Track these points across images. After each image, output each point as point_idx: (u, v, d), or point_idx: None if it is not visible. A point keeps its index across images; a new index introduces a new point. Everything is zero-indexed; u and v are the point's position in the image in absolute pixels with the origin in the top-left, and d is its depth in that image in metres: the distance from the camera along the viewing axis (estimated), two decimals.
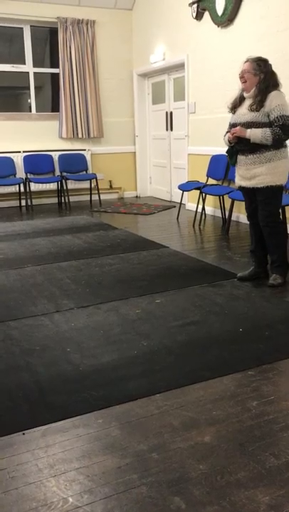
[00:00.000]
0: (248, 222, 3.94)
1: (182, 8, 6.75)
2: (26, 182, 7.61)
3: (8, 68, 7.92)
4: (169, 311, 3.29)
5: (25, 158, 7.75)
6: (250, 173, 3.63)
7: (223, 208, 6.14)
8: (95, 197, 8.06)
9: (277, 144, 3.52)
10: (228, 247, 5.07)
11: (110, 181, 8.58)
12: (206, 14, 6.34)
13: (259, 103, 3.50)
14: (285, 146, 3.61)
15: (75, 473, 1.78)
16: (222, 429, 2.00)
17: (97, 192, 7.99)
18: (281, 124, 3.45)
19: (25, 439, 1.99)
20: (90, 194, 8.12)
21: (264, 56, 3.65)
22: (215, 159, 6.30)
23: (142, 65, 8.16)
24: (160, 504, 1.62)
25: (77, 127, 8.12)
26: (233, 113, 3.72)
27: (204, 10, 6.35)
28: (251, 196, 3.76)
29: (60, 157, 7.98)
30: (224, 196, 6.00)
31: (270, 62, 3.59)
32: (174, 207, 7.33)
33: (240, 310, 3.28)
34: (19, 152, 7.75)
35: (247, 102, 3.60)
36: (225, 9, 5.91)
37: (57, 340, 2.87)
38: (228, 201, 5.89)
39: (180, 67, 7.20)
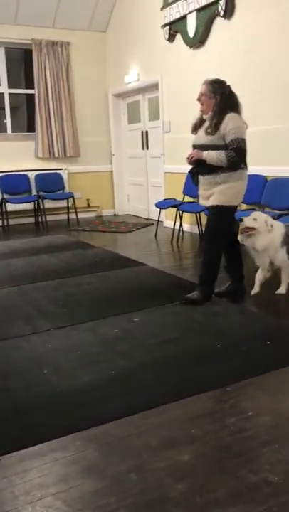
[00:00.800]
0: None
1: (155, 30, 6.89)
2: (3, 202, 7.57)
3: None
4: (147, 329, 3.29)
5: (2, 179, 7.72)
6: (207, 193, 3.69)
7: (200, 225, 6.20)
8: (72, 216, 8.05)
9: (232, 166, 3.53)
10: None
11: (88, 200, 8.59)
12: (178, 36, 6.48)
13: (215, 126, 3.52)
14: (242, 168, 3.61)
15: (52, 498, 1.75)
16: (201, 447, 1.99)
17: (74, 211, 7.99)
18: (236, 148, 3.47)
19: (1, 464, 1.95)
20: (68, 213, 8.11)
21: (229, 77, 3.73)
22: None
23: (117, 85, 8.26)
24: None
25: (53, 147, 8.14)
26: (195, 134, 3.77)
27: (176, 32, 6.50)
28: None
29: (37, 177, 7.97)
30: (200, 213, 6.06)
31: (227, 84, 3.61)
32: (152, 224, 7.37)
33: (218, 326, 3.30)
34: None
35: (205, 124, 3.64)
36: (196, 31, 6.06)
37: (34, 362, 2.83)
38: (204, 218, 5.94)
39: (154, 87, 7.32)
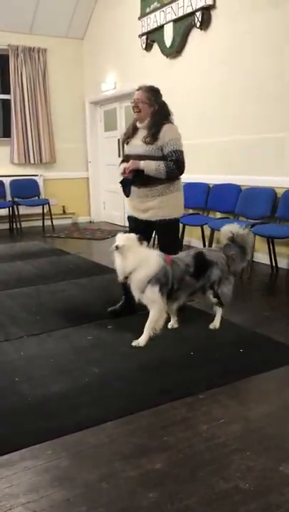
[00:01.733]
0: None
1: (132, 39, 6.94)
2: None
3: None
4: (120, 336, 3.28)
5: None
6: (143, 206, 3.54)
7: (203, 238, 6.20)
8: (47, 222, 8.00)
9: (170, 178, 3.44)
10: None
11: (63, 206, 8.56)
12: (155, 45, 6.55)
13: (152, 136, 3.39)
14: (178, 179, 3.57)
15: (22, 508, 1.72)
16: (173, 454, 2.00)
17: (50, 217, 7.94)
18: (175, 160, 3.38)
19: None
20: (43, 219, 8.05)
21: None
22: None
23: (94, 93, 8.28)
24: None
25: (29, 152, 8.09)
26: (127, 144, 3.61)
27: (153, 41, 6.56)
28: (143, 227, 3.61)
29: (12, 182, 7.90)
30: (203, 226, 6.07)
31: (161, 93, 3.54)
32: (128, 232, 7.36)
33: (191, 333, 3.32)
34: None
35: (140, 133, 3.49)
36: (173, 41, 6.13)
37: (5, 370, 2.79)
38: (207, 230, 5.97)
39: (131, 96, 7.33)
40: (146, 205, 3.52)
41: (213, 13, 5.53)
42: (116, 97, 7.85)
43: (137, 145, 3.48)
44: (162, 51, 6.38)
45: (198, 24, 5.64)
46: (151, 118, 3.45)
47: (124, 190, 3.63)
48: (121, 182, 3.59)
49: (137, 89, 3.51)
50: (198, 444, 2.06)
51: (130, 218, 3.75)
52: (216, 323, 3.42)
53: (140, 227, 3.66)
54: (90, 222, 8.83)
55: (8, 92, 7.99)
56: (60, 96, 8.32)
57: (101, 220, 8.87)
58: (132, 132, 3.59)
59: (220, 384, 2.57)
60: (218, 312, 3.43)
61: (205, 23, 5.59)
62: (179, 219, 3.68)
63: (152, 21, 6.42)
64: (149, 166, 3.38)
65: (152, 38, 6.55)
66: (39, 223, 8.11)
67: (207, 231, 5.54)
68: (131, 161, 3.43)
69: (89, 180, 8.78)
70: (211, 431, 2.15)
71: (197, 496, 1.75)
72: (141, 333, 3.19)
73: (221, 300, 3.36)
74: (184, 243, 5.99)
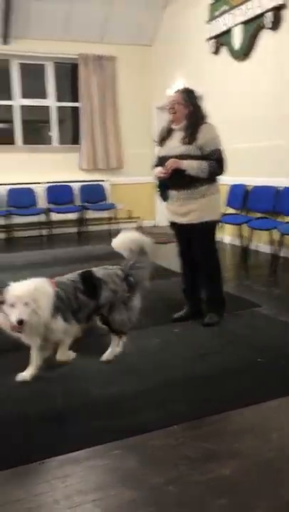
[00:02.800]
0: (179, 259, 3.75)
1: (200, 43, 6.92)
2: (47, 212, 7.75)
3: (32, 103, 8.18)
4: (187, 341, 3.27)
5: (47, 189, 7.91)
6: (183, 209, 3.45)
7: (241, 237, 6.13)
8: (114, 226, 8.13)
9: (210, 179, 3.38)
10: (247, 276, 5.04)
11: (129, 211, 8.67)
12: (224, 49, 6.50)
13: (191, 136, 3.34)
14: (216, 181, 3.48)
15: (91, 505, 1.75)
16: (242, 462, 1.95)
17: (116, 221, 8.07)
18: (216, 158, 3.33)
19: (42, 468, 1.97)
20: (109, 223, 8.20)
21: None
22: (234, 189, 6.34)
23: (162, 98, 8.32)
24: None
25: (97, 158, 8.28)
26: (162, 146, 3.53)
27: (222, 45, 6.51)
28: (184, 233, 3.57)
29: (81, 188, 8.12)
30: (242, 225, 6.00)
31: (196, 94, 3.48)
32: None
33: (259, 340, 3.23)
34: (41, 183, 7.92)
35: (177, 135, 3.43)
36: (242, 44, 6.05)
37: (75, 370, 2.86)
38: (246, 230, 5.89)
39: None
40: (186, 208, 3.44)
41: (284, 13, 5.40)
42: None
43: (175, 146, 3.42)
44: (231, 54, 6.32)
45: (268, 25, 5.53)
46: (188, 119, 3.41)
47: (161, 194, 3.58)
48: (158, 185, 3.55)
49: (175, 92, 3.50)
50: (268, 452, 2.00)
51: (170, 224, 3.70)
52: (107, 356, 2.90)
53: (179, 233, 3.65)
54: (154, 226, 8.88)
55: (78, 100, 8.23)
56: (128, 102, 8.45)
57: (165, 224, 8.87)
58: (166, 134, 3.54)
59: None
60: (113, 342, 2.93)
61: (276, 24, 5.47)
62: (218, 221, 3.62)
63: (221, 24, 6.37)
64: (192, 166, 3.32)
65: (221, 41, 6.50)
66: (106, 227, 8.26)
67: (276, 235, 5.38)
68: (172, 159, 3.35)
69: (155, 185, 8.82)
70: (282, 439, 2.09)
71: (268, 505, 1.70)
72: (208, 337, 3.15)
73: (113, 328, 2.90)
74: (251, 247, 5.89)
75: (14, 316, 2.42)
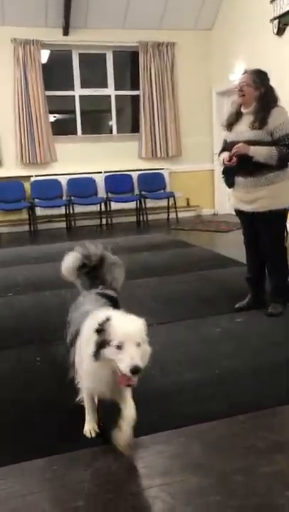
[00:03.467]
0: (245, 247, 3.64)
1: (263, 24, 6.70)
2: (107, 201, 7.85)
3: (92, 92, 8.28)
4: (250, 330, 3.21)
5: (106, 178, 8.00)
6: (250, 197, 3.33)
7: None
8: (172, 215, 8.12)
9: (280, 165, 3.22)
10: None
11: (188, 199, 8.61)
12: (288, 29, 6.25)
13: (261, 120, 3.19)
14: (287, 167, 3.30)
15: (157, 490, 1.77)
16: None
17: (174, 210, 8.05)
18: (288, 144, 3.16)
19: (104, 451, 2.01)
20: (168, 212, 8.19)
21: None
22: None
23: (222, 83, 8.17)
24: None
25: (156, 147, 8.27)
26: (230, 130, 3.41)
27: (286, 25, 6.27)
28: (250, 221, 3.46)
29: (140, 176, 8.15)
30: None
31: (268, 76, 3.30)
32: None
33: None
34: (100, 172, 8.02)
35: (246, 119, 3.30)
36: None
37: None
38: None
39: None
40: (253, 196, 3.32)
41: None
42: None
43: (243, 131, 3.28)
44: None
45: None
46: (258, 102, 3.25)
47: (226, 181, 3.47)
48: (223, 171, 3.43)
49: (243, 73, 3.34)
50: None
51: (236, 211, 3.61)
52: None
53: (245, 221, 3.55)
54: (214, 214, 8.77)
55: (138, 88, 8.23)
56: (187, 88, 8.36)
57: (225, 213, 8.75)
58: (235, 118, 3.39)
59: None
60: None
61: None
62: (287, 209, 3.46)
63: (286, 4, 6.13)
64: (260, 152, 3.18)
65: (285, 21, 6.26)
66: (164, 216, 8.26)
67: None
68: (240, 144, 3.22)
69: (214, 173, 8.71)
70: None
71: None
72: (272, 327, 3.08)
73: None
74: None
75: (127, 361, 1.72)
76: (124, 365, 1.73)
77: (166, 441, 2.06)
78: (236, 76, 7.60)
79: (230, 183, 3.46)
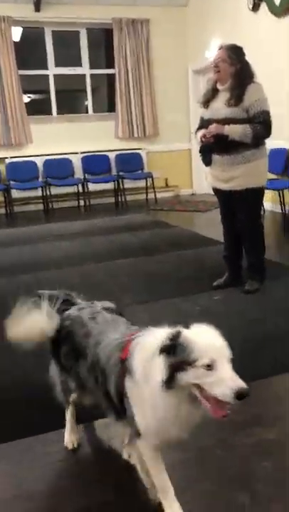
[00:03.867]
0: (222, 224, 3.66)
1: (238, 0, 6.63)
2: (84, 182, 7.77)
3: (66, 71, 8.12)
4: (228, 308, 3.25)
5: (83, 159, 7.91)
6: (226, 175, 3.33)
7: (282, 203, 5.98)
8: (151, 195, 8.09)
9: (256, 143, 3.21)
10: (288, 242, 4.93)
11: (166, 179, 8.58)
12: (263, 5, 6.20)
13: (237, 97, 3.15)
14: (264, 145, 3.31)
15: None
16: (286, 426, 1.95)
17: (153, 190, 8.02)
18: (262, 121, 3.15)
19: (88, 429, 2.02)
20: (146, 193, 8.16)
21: None
22: (274, 153, 6.14)
23: (197, 61, 8.09)
24: (224, 499, 1.60)
25: (132, 126, 8.19)
26: (206, 108, 3.37)
27: (261, 1, 6.22)
28: (227, 199, 3.47)
29: (117, 157, 8.07)
30: (283, 191, 5.84)
31: (244, 51, 3.27)
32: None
33: None
34: (77, 153, 7.92)
35: (222, 96, 3.26)
36: None
37: None
38: (287, 196, 5.73)
39: None
40: (229, 174, 3.31)
41: None
42: None
43: (219, 108, 3.26)
44: (271, 10, 6.02)
45: None
46: (234, 78, 3.21)
47: (203, 159, 3.45)
48: (200, 150, 3.41)
49: (218, 49, 3.30)
50: None
51: (213, 190, 3.60)
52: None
53: (222, 199, 3.55)
54: (192, 194, 8.78)
55: (113, 67, 8.10)
56: (163, 67, 8.26)
57: (203, 192, 8.76)
58: (211, 95, 3.35)
59: None
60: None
61: None
62: (264, 187, 3.48)
63: None
64: (235, 131, 3.16)
65: None
66: (143, 196, 8.23)
67: None
68: (214, 125, 3.21)
69: (191, 152, 8.68)
70: None
71: None
72: (249, 304, 3.11)
73: None
74: None
75: (230, 384, 1.33)
76: (226, 389, 1.30)
77: None
78: (212, 53, 7.53)
79: (207, 161, 3.44)
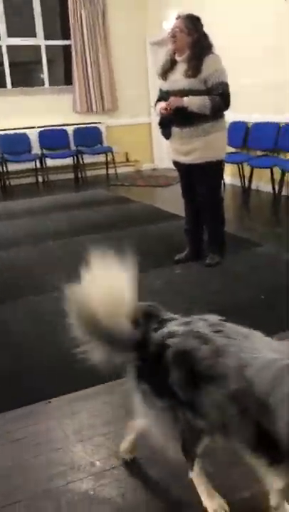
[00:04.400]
0: (183, 198, 3.67)
1: None
2: (42, 158, 7.58)
3: (20, 42, 7.81)
4: (189, 281, 3.28)
5: (41, 134, 7.70)
6: (186, 148, 3.30)
7: (242, 177, 6.03)
8: (111, 170, 7.99)
9: (215, 115, 3.21)
10: (248, 216, 5.00)
11: (127, 154, 8.49)
12: None
13: (195, 68, 3.13)
14: (223, 117, 3.32)
15: (102, 438, 1.81)
16: None
17: (113, 165, 7.92)
18: (221, 93, 3.14)
19: (50, 407, 2.02)
20: (107, 168, 8.05)
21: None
22: (233, 127, 6.16)
23: (156, 33, 7.94)
24: (185, 466, 1.63)
25: (91, 100, 8.01)
26: (165, 79, 3.33)
27: None
28: (187, 172, 3.46)
29: (75, 131, 7.90)
30: (243, 164, 5.89)
31: (202, 22, 3.23)
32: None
33: (261, 278, 3.25)
34: (34, 128, 7.70)
35: (180, 67, 3.24)
36: None
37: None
38: (246, 169, 5.78)
39: None
40: (189, 147, 3.30)
41: None
42: None
43: (177, 80, 3.22)
44: None
45: None
46: (192, 49, 3.17)
47: (163, 132, 3.43)
48: (160, 122, 3.38)
49: (176, 18, 3.24)
50: None
51: (174, 163, 3.58)
52: None
53: (182, 172, 3.54)
54: (153, 169, 8.73)
55: (69, 38, 7.85)
56: (121, 38, 8.06)
57: (165, 167, 8.73)
58: (170, 66, 3.31)
59: None
60: None
61: None
62: (224, 160, 3.51)
63: None
64: (193, 102, 3.13)
65: None
66: (103, 172, 8.12)
67: (277, 174, 5.29)
68: (172, 97, 3.18)
69: (151, 126, 8.59)
70: None
71: None
72: (209, 277, 3.15)
73: None
74: (252, 188, 5.80)
75: None
76: None
77: (110, 392, 2.09)
78: (170, 24, 7.40)
79: (166, 134, 3.41)
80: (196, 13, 3.29)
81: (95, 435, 1.82)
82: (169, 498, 1.51)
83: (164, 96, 3.32)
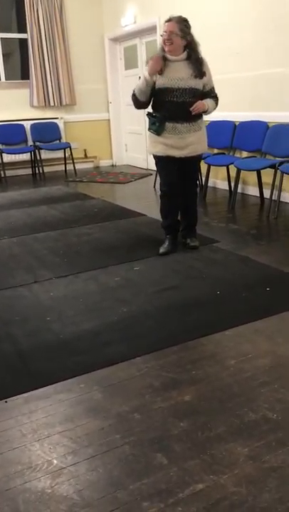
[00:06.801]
0: (166, 194, 3.76)
1: None
2: None
3: None
4: (147, 277, 3.31)
5: None
6: (183, 142, 3.52)
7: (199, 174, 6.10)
8: (69, 167, 7.92)
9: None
10: (205, 213, 5.08)
11: (85, 150, 8.43)
12: None
13: (199, 71, 3.44)
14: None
15: (59, 436, 1.81)
16: (202, 387, 2.05)
17: (71, 161, 7.86)
18: (215, 96, 3.59)
19: (7, 406, 2.01)
20: (65, 164, 7.97)
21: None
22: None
23: (113, 29, 7.92)
24: (143, 461, 1.66)
25: (48, 95, 7.90)
26: (160, 73, 3.43)
27: None
28: (177, 166, 3.61)
29: (33, 126, 7.77)
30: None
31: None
32: (151, 174, 7.27)
33: (218, 273, 3.32)
34: None
35: (177, 66, 3.42)
36: None
37: (37, 310, 2.87)
38: (204, 167, 5.86)
39: (152, 30, 7.01)
40: (186, 141, 3.54)
41: None
42: (136, 32, 7.49)
43: (183, 78, 3.43)
44: None
45: None
46: (189, 51, 3.42)
47: (157, 127, 3.50)
48: (151, 117, 3.53)
49: (167, 21, 3.39)
50: (226, 378, 2.11)
51: (162, 158, 3.62)
52: None
53: (173, 167, 3.63)
54: (112, 165, 8.72)
55: (25, 31, 7.71)
56: (79, 33, 7.99)
57: (123, 164, 8.74)
58: (164, 64, 3.45)
59: (247, 321, 2.60)
60: None
61: None
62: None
63: None
64: (210, 105, 3.54)
65: None
66: (61, 168, 8.04)
67: (233, 172, 5.40)
68: (199, 103, 3.44)
69: (110, 122, 8.58)
70: (239, 365, 2.19)
71: (226, 425, 1.81)
72: (167, 273, 3.18)
73: None
74: (208, 185, 5.89)
75: None
76: None
77: (67, 390, 2.10)
78: (128, 21, 7.40)
79: (160, 130, 3.52)
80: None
81: (52, 433, 1.83)
82: (125, 491, 1.53)
83: (162, 90, 3.44)
